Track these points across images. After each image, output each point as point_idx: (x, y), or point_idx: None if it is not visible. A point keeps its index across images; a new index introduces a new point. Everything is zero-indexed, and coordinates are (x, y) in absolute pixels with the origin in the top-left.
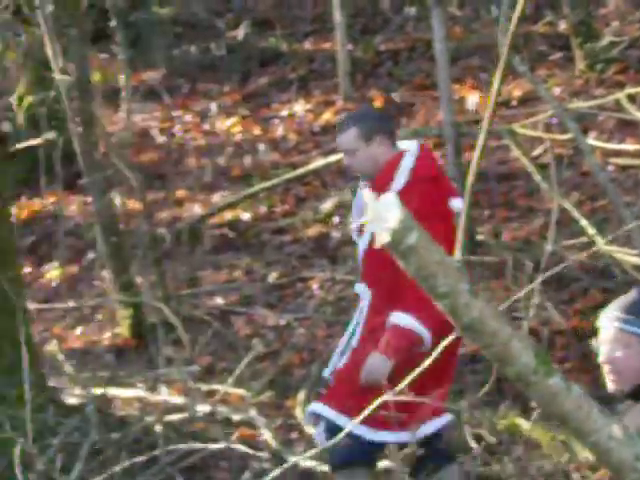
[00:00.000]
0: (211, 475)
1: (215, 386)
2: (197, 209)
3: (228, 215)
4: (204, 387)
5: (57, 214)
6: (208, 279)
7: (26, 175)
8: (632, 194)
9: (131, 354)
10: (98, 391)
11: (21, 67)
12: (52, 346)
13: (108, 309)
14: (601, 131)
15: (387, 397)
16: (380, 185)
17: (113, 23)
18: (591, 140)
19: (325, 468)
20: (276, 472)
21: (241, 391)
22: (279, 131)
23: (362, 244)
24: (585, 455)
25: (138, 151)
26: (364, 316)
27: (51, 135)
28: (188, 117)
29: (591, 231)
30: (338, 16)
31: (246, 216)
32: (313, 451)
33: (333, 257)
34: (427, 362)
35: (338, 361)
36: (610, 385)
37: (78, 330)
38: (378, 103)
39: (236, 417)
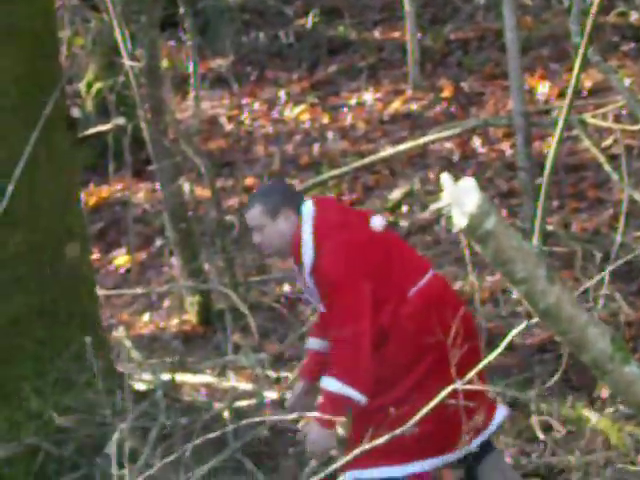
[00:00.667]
0: (279, 462)
1: (284, 373)
2: None
3: None
4: (273, 374)
5: (125, 201)
6: (276, 266)
7: (95, 161)
8: None
9: (198, 341)
10: (166, 377)
11: (90, 53)
12: (120, 332)
13: (176, 295)
14: None
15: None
16: (297, 260)
17: (182, 10)
18: None
19: None
20: (346, 459)
21: None
22: (348, 119)
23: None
24: None
25: (206, 138)
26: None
27: (120, 121)
28: (256, 105)
29: None
30: (408, 5)
31: None
32: None
33: None
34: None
35: None
36: None
37: (146, 316)
38: (447, 92)
39: None
